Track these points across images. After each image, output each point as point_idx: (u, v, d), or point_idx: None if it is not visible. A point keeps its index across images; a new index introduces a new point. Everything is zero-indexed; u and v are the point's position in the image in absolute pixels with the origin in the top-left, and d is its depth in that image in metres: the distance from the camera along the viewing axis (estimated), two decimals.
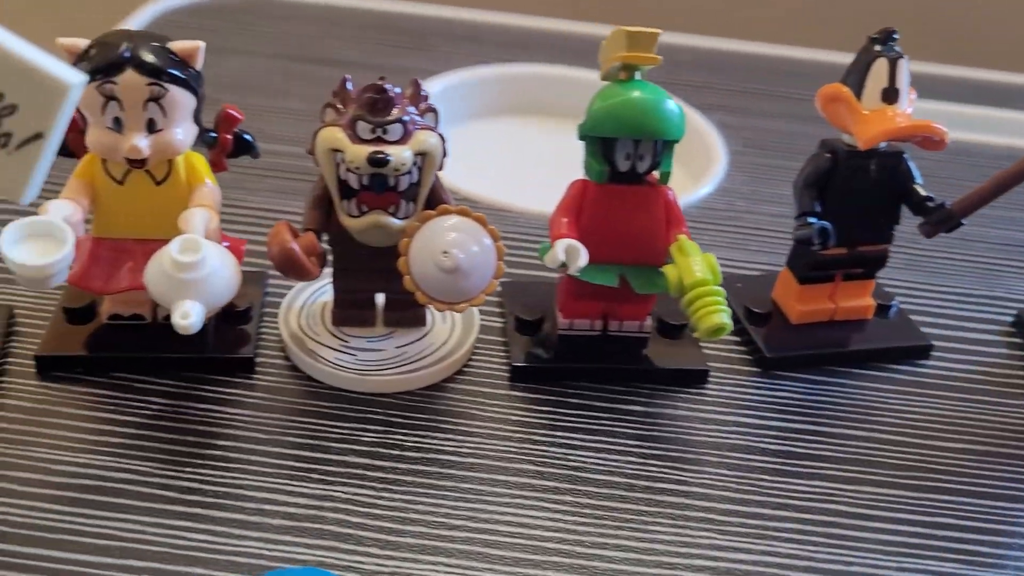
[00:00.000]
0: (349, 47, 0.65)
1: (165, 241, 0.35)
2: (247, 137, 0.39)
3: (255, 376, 0.38)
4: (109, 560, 0.30)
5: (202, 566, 0.30)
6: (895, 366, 0.42)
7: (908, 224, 0.41)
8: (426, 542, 0.32)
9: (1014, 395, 0.41)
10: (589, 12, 0.72)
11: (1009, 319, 0.45)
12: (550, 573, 0.31)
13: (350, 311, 0.39)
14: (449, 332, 0.40)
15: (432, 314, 0.40)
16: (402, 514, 0.33)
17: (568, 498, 0.34)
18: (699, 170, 0.55)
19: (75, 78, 0.27)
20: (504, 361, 0.40)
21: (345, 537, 0.32)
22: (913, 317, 0.44)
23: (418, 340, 0.39)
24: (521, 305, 0.41)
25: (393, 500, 0.33)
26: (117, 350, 0.37)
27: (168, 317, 0.38)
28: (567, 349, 0.40)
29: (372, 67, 0.62)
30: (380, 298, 0.40)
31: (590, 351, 0.40)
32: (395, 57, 0.65)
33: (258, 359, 0.38)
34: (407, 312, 0.40)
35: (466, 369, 0.39)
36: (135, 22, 0.64)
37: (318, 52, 0.64)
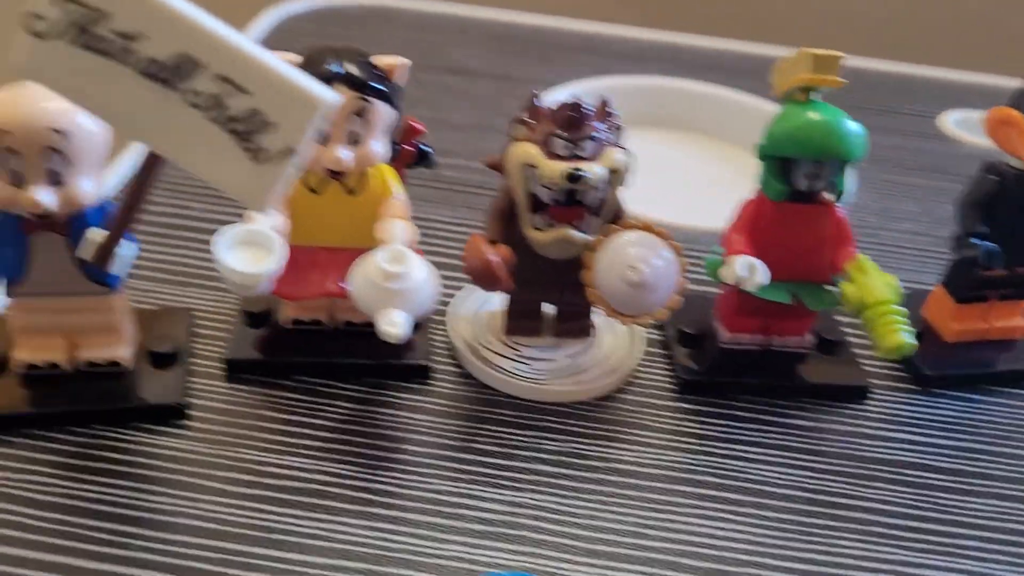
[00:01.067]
0: (472, 55, 0.66)
1: (353, 250, 0.36)
2: (426, 148, 0.40)
3: (430, 383, 0.39)
4: (325, 560, 0.31)
5: (412, 568, 0.31)
6: None
7: None
8: (621, 550, 0.33)
9: None
10: (705, 26, 0.73)
11: None
12: None
13: (522, 321, 0.40)
14: (615, 344, 0.41)
15: (598, 326, 0.41)
16: (594, 522, 0.34)
17: (752, 511, 0.35)
18: None
19: (328, 95, 0.28)
20: (669, 373, 0.41)
21: (542, 543, 0.33)
22: None
23: (587, 351, 0.40)
24: (682, 318, 0.42)
25: (584, 508, 0.34)
26: (299, 355, 0.38)
27: (348, 323, 0.39)
28: (731, 363, 0.41)
29: (496, 76, 0.64)
30: (549, 309, 0.40)
31: (753, 365, 0.41)
32: (517, 67, 0.66)
33: (431, 365, 0.39)
34: (575, 323, 0.40)
35: (633, 380, 0.40)
36: (257, 28, 0.66)
37: (442, 60, 0.65)
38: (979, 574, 0.33)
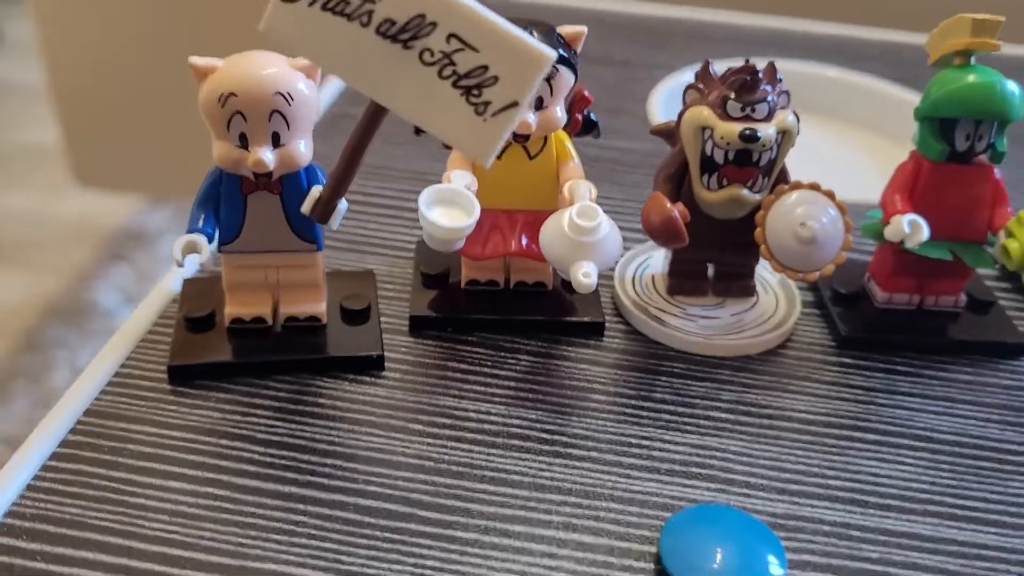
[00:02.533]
0: (589, 44, 0.68)
1: (531, 212, 0.38)
2: (594, 117, 0.42)
3: (604, 339, 0.41)
4: (529, 493, 0.33)
5: (614, 501, 0.33)
6: None
7: None
8: (810, 488, 0.34)
9: None
10: (808, 9, 0.75)
11: None
12: (931, 520, 0.33)
13: (685, 281, 0.42)
14: (775, 303, 0.42)
15: (759, 286, 0.43)
16: (778, 463, 0.35)
17: (924, 455, 0.36)
18: None
19: (550, 52, 0.30)
20: (825, 331, 0.42)
21: (732, 481, 0.34)
22: None
23: (750, 309, 0.42)
24: (836, 279, 0.43)
25: (766, 450, 0.36)
26: (481, 312, 0.41)
27: (520, 283, 0.41)
28: (887, 321, 0.42)
29: (615, 63, 0.66)
30: (710, 269, 0.42)
31: (909, 323, 0.42)
32: (634, 53, 0.68)
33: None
34: (736, 283, 0.42)
35: (794, 338, 0.42)
36: None
37: None
38: None
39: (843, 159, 0.60)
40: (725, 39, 0.71)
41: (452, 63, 0.30)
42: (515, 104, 0.30)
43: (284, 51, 0.33)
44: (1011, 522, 0.34)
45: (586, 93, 0.41)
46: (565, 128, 0.41)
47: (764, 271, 0.44)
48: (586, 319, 0.41)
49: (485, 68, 0.30)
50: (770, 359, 0.41)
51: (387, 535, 0.31)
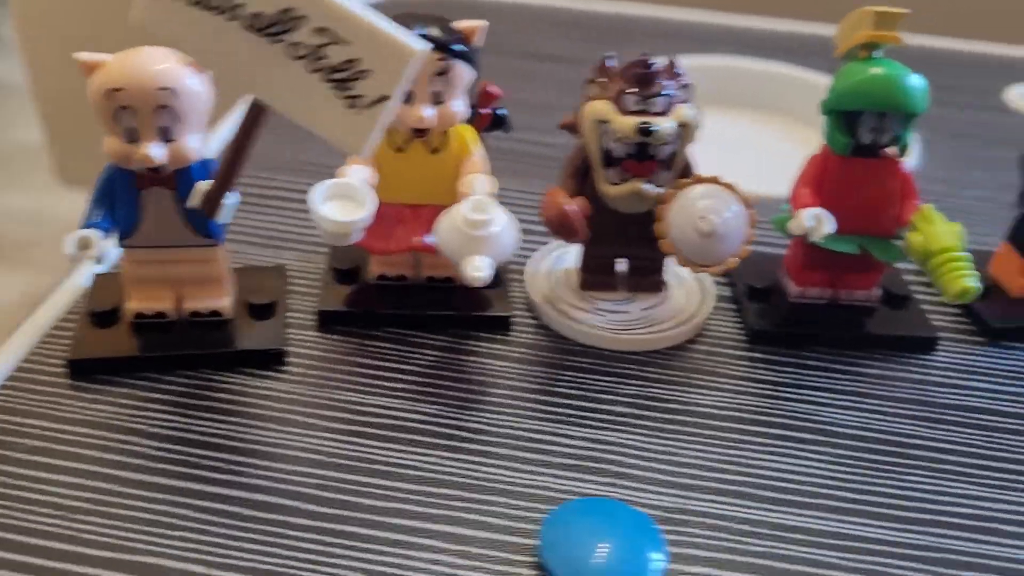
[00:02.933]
0: (547, 42, 0.69)
1: (436, 206, 0.38)
2: (502, 113, 0.42)
3: (510, 334, 0.41)
4: (419, 487, 0.33)
5: (502, 495, 0.33)
6: None
7: None
8: (701, 482, 0.34)
9: None
10: (764, 5, 0.75)
11: None
12: (821, 515, 0.33)
13: (596, 276, 0.42)
14: (686, 298, 0.42)
15: (669, 280, 0.43)
16: (674, 457, 0.35)
17: (823, 449, 0.36)
18: None
19: (420, 45, 0.30)
20: (738, 325, 0.42)
21: (625, 475, 0.34)
22: None
23: (660, 304, 0.42)
24: (750, 273, 0.43)
25: (663, 445, 0.36)
26: (386, 307, 0.41)
27: (429, 278, 0.41)
28: (799, 315, 0.42)
29: (570, 60, 0.66)
30: (622, 264, 0.42)
31: (822, 318, 0.42)
32: (591, 51, 0.67)
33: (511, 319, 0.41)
34: (647, 278, 0.42)
35: (704, 332, 0.42)
36: None
37: (519, 47, 0.67)
38: None
39: (795, 156, 0.60)
40: (680, 36, 0.71)
41: (322, 57, 0.30)
42: (386, 97, 0.30)
43: (162, 44, 0.33)
44: (906, 516, 0.34)
45: (492, 89, 0.41)
46: (474, 124, 0.41)
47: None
48: (492, 313, 0.41)
49: (355, 61, 0.30)
50: (679, 354, 0.40)
51: (268, 528, 0.31)
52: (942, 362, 0.41)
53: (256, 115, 0.32)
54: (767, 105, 0.64)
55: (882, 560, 0.32)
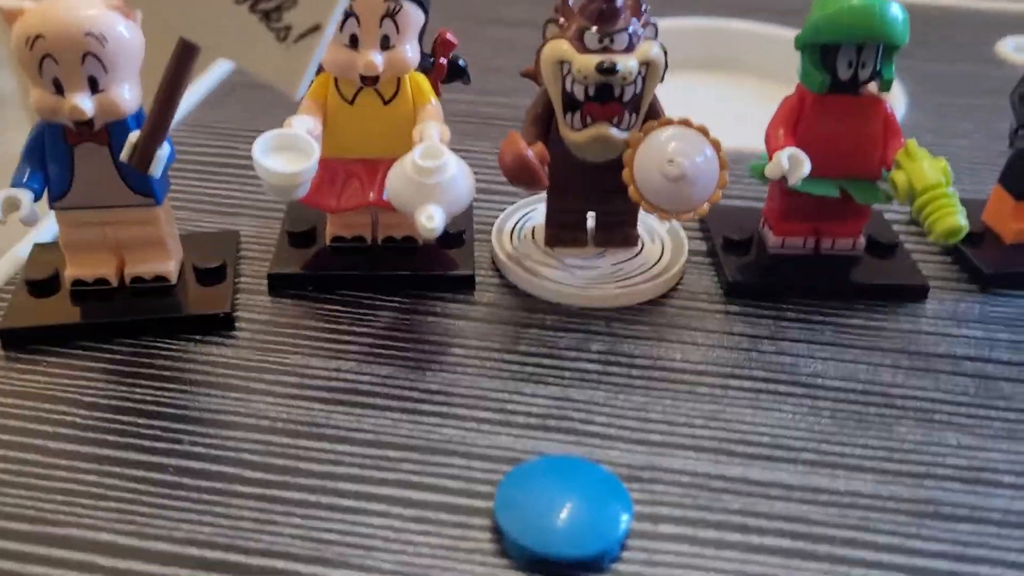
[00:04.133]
0: (515, 7, 0.66)
1: (391, 161, 0.36)
2: (461, 63, 0.40)
3: (475, 293, 0.39)
4: (370, 450, 0.31)
5: (459, 456, 0.31)
6: None
7: None
8: (672, 439, 0.32)
9: None
10: None
11: None
12: (800, 468, 0.31)
13: (563, 232, 0.40)
14: (660, 252, 0.40)
15: (642, 234, 0.41)
16: (644, 413, 0.33)
17: (805, 402, 0.34)
18: None
19: None
20: (715, 279, 0.40)
21: (590, 433, 0.32)
22: None
23: (632, 258, 0.40)
24: (727, 226, 0.41)
25: (632, 402, 0.34)
26: (343, 269, 0.39)
27: (388, 239, 0.39)
28: (779, 266, 0.40)
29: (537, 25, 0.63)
30: (591, 219, 0.40)
31: (804, 268, 0.40)
32: None
33: (476, 278, 0.39)
34: (617, 232, 0.40)
35: (679, 287, 0.39)
36: None
37: (490, 13, 0.65)
38: None
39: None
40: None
41: None
42: (318, 27, 0.28)
43: None
44: (895, 469, 0.31)
45: (449, 36, 0.39)
46: (431, 74, 0.39)
47: (651, 219, 0.41)
48: (455, 273, 0.38)
49: None
50: (651, 309, 0.38)
51: (204, 496, 0.29)
52: (932, 311, 0.39)
53: (184, 56, 0.30)
54: (748, 66, 0.62)
55: (870, 514, 0.30)
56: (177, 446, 0.31)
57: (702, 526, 0.29)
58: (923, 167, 0.35)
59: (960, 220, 0.34)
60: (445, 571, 0.27)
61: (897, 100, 0.55)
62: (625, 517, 0.28)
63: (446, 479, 0.30)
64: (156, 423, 0.32)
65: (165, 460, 0.31)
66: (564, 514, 0.28)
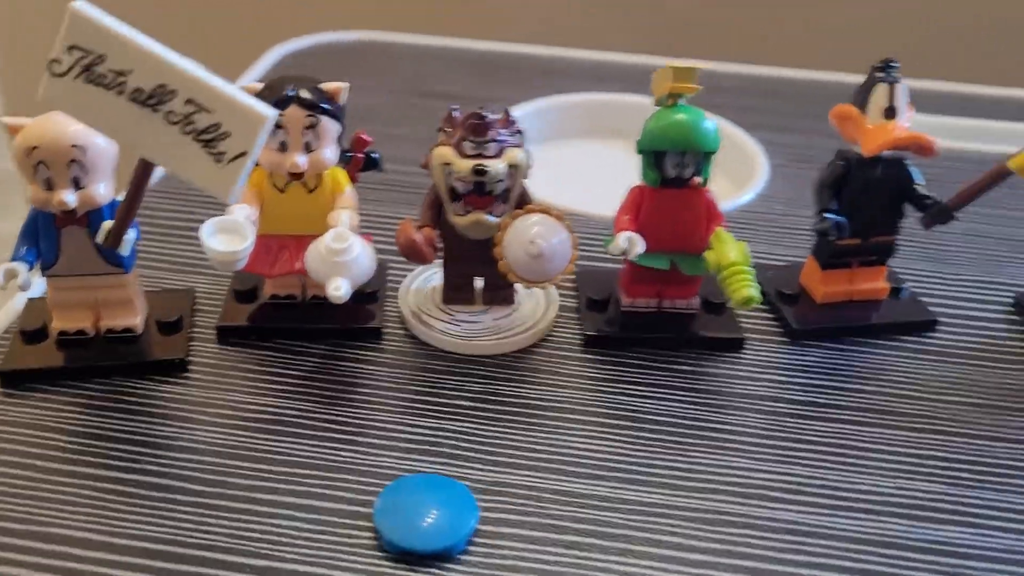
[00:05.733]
0: (452, 81, 0.76)
1: (316, 236, 0.45)
2: (375, 155, 0.49)
3: (382, 343, 0.48)
4: (288, 470, 0.41)
5: (352, 474, 0.41)
6: (905, 337, 0.50)
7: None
8: (519, 460, 0.42)
9: (1009, 361, 0.49)
10: (655, 47, 0.82)
11: (1010, 300, 0.54)
12: (613, 484, 0.41)
13: (456, 292, 0.49)
14: (534, 308, 0.50)
15: (520, 294, 0.50)
16: (500, 440, 0.43)
17: (628, 432, 0.44)
18: (743, 180, 0.64)
19: (270, 112, 0.37)
20: (579, 332, 0.50)
21: (457, 456, 0.42)
22: (923, 299, 0.53)
23: (511, 314, 0.49)
24: (591, 287, 0.51)
25: (493, 431, 0.43)
26: (278, 322, 0.48)
27: (315, 297, 0.49)
28: (629, 322, 0.49)
29: (473, 99, 0.72)
30: (479, 281, 0.50)
31: (648, 323, 0.49)
32: (492, 89, 0.75)
33: (384, 330, 0.49)
34: (500, 292, 0.50)
35: (548, 338, 0.49)
36: (262, 65, 0.76)
37: (427, 86, 0.75)
38: (810, 477, 0.42)
39: None
40: (568, 74, 0.79)
41: (192, 122, 0.37)
42: (244, 154, 0.38)
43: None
44: (686, 485, 0.41)
45: (364, 136, 0.49)
46: (350, 166, 0.49)
47: None
48: (365, 326, 0.48)
49: (218, 125, 0.37)
50: (524, 356, 0.48)
51: (155, 504, 0.39)
52: (747, 359, 0.48)
53: (144, 170, 0.40)
54: (628, 133, 0.72)
55: (660, 521, 0.39)
56: (135, 464, 0.41)
57: (535, 528, 0.39)
58: (727, 248, 0.45)
59: (751, 292, 0.44)
60: (335, 560, 0.37)
61: (760, 171, 0.65)
62: (471, 521, 0.38)
63: (341, 491, 0.40)
64: (122, 447, 0.41)
65: (127, 476, 0.40)
66: (426, 518, 0.38)
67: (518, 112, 0.70)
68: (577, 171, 0.68)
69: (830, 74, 0.80)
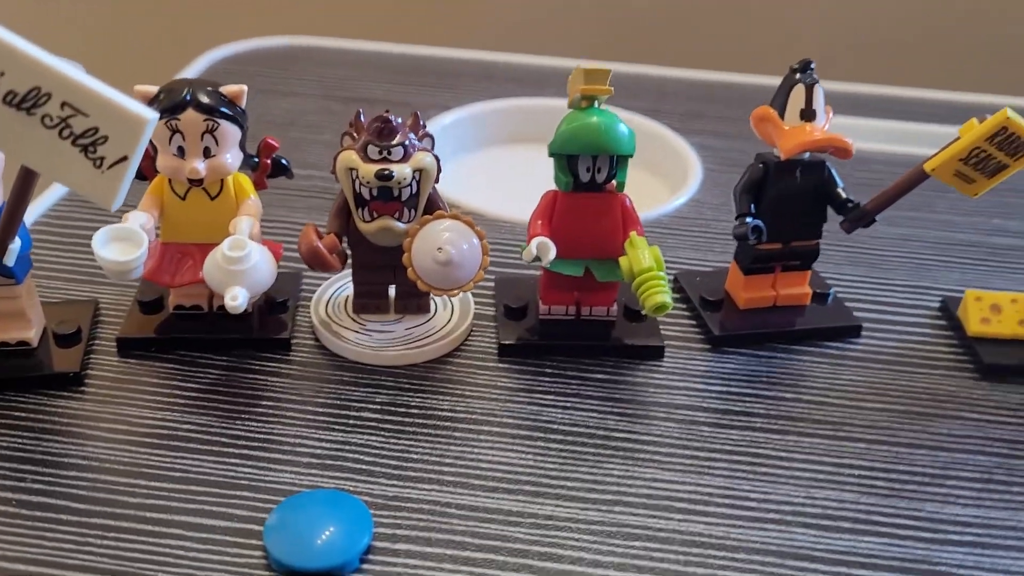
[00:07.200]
0: (379, 86, 0.75)
1: (219, 244, 0.44)
2: (283, 161, 0.48)
3: (291, 353, 0.47)
4: (182, 487, 0.39)
5: (249, 491, 0.39)
6: (828, 343, 0.50)
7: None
8: (423, 474, 0.40)
9: (932, 366, 0.48)
10: (592, 51, 0.81)
11: (936, 305, 0.53)
12: (519, 497, 0.39)
13: (367, 300, 0.48)
14: (449, 317, 0.49)
15: (435, 302, 0.49)
16: (406, 454, 0.41)
17: (539, 443, 0.42)
18: (676, 184, 0.64)
19: (150, 114, 0.36)
20: (494, 341, 0.48)
21: (360, 471, 0.40)
22: (849, 304, 0.52)
23: (423, 323, 0.48)
24: (509, 295, 0.50)
25: (399, 444, 0.42)
26: (182, 333, 0.47)
27: (221, 307, 0.47)
28: (546, 330, 0.48)
29: (399, 104, 0.72)
30: (392, 289, 0.48)
31: (566, 332, 0.48)
32: (419, 95, 0.74)
33: (293, 340, 0.47)
34: (414, 300, 0.48)
35: (463, 347, 0.48)
36: (194, 69, 0.75)
37: (351, 92, 0.74)
38: (722, 487, 0.40)
39: None
40: (506, 79, 0.78)
41: (69, 126, 0.36)
42: (125, 158, 0.36)
43: None
44: (595, 498, 0.40)
45: (271, 141, 0.47)
46: (257, 171, 0.47)
47: None
48: (272, 336, 0.47)
49: (96, 129, 0.36)
50: (436, 366, 0.47)
51: (37, 524, 0.37)
52: (666, 367, 0.47)
53: (26, 178, 0.38)
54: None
55: (564, 535, 0.38)
56: (21, 483, 0.39)
57: (431, 544, 0.37)
58: (640, 254, 0.44)
59: (664, 298, 0.43)
60: None
61: (694, 176, 0.64)
62: (365, 538, 0.37)
63: (235, 509, 0.38)
64: (6, 464, 0.40)
65: (10, 495, 0.38)
66: (320, 535, 0.36)
67: (452, 117, 0.69)
68: (510, 177, 0.66)
69: (773, 79, 0.79)
